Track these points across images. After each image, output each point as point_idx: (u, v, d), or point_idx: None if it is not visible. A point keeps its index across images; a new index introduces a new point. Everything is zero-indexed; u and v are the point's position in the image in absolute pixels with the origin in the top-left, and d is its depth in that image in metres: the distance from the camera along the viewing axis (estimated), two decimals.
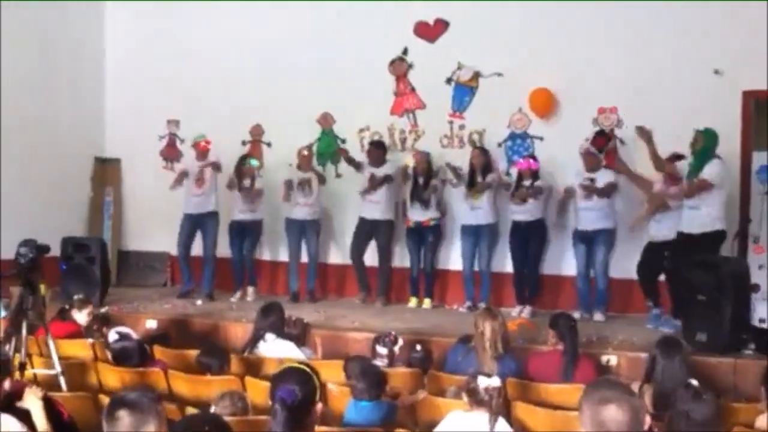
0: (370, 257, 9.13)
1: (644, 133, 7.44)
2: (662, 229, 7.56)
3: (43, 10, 9.69)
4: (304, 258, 9.24)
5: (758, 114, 7.98)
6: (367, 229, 9.07)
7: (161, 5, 10.26)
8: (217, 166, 9.20)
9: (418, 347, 6.09)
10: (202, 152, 9.24)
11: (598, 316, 7.99)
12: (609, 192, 8.01)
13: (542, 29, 8.74)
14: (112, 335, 5.99)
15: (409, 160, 9.00)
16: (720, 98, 7.91)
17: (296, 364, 3.42)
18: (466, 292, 8.75)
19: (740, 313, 6.41)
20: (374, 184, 8.90)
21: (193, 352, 5.77)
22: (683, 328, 6.70)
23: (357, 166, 9.13)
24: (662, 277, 7.58)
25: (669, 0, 8.10)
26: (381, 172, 8.96)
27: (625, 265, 8.13)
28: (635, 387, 4.57)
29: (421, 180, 8.84)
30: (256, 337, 6.08)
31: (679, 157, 7.40)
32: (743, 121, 7.93)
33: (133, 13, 10.42)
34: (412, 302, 8.92)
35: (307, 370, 3.30)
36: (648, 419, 2.82)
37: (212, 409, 4.18)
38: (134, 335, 6.04)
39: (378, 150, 9.08)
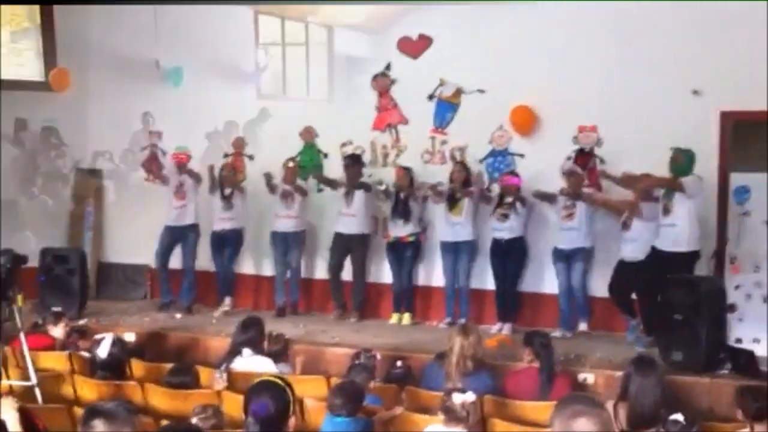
0: (348, 272, 9.12)
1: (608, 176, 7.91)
2: (634, 250, 7.60)
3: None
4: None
5: (735, 135, 8.04)
6: (342, 244, 9.05)
7: (142, 21, 10.19)
8: (195, 176, 9.20)
9: (399, 363, 6.09)
10: (178, 164, 9.26)
11: (582, 326, 8.11)
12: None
13: (524, 47, 8.75)
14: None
15: (386, 177, 9.02)
16: (698, 119, 7.96)
17: (270, 378, 3.41)
18: (447, 308, 8.76)
19: (717, 333, 6.48)
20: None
21: (170, 366, 5.74)
22: (659, 347, 6.73)
23: (332, 184, 9.14)
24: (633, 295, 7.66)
25: (648, 21, 8.18)
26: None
27: (606, 284, 8.18)
28: (610, 405, 4.59)
29: (402, 195, 8.84)
30: (233, 352, 6.03)
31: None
32: (721, 142, 7.96)
33: (115, 24, 10.35)
34: (394, 318, 8.88)
35: (281, 383, 3.29)
36: None
37: (193, 421, 4.15)
38: (109, 343, 5.77)
39: (355, 164, 9.07)
